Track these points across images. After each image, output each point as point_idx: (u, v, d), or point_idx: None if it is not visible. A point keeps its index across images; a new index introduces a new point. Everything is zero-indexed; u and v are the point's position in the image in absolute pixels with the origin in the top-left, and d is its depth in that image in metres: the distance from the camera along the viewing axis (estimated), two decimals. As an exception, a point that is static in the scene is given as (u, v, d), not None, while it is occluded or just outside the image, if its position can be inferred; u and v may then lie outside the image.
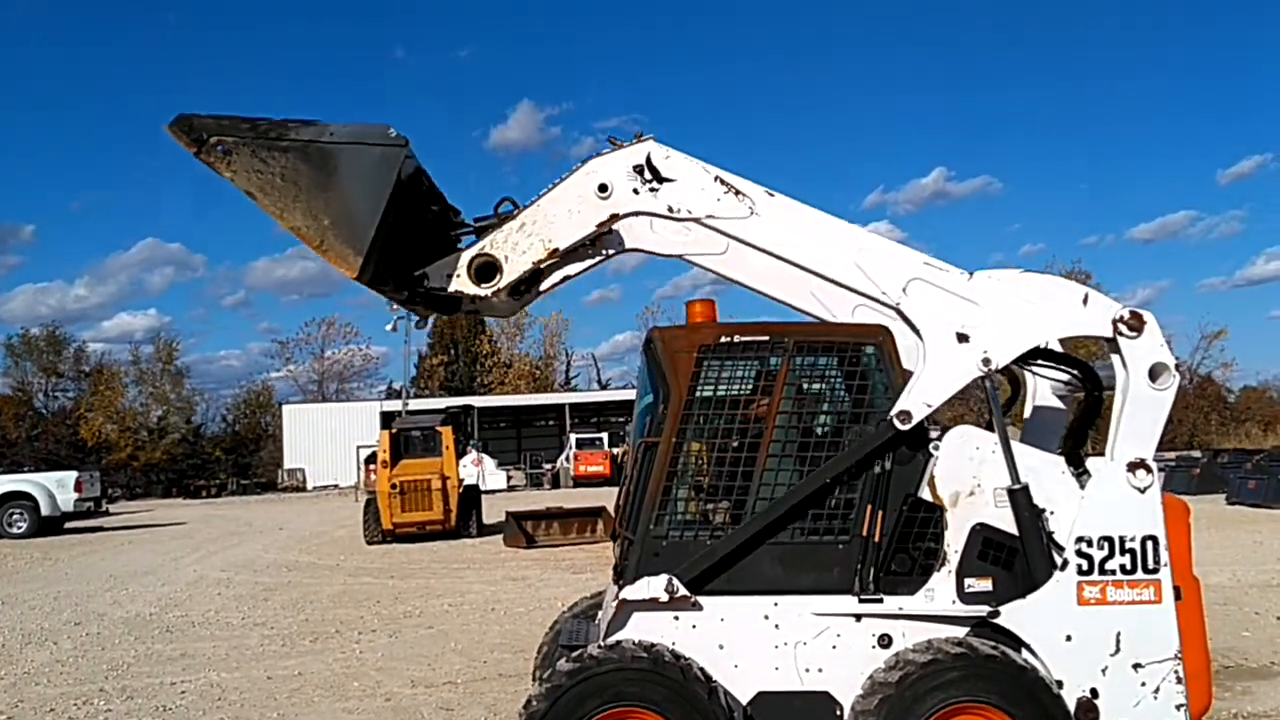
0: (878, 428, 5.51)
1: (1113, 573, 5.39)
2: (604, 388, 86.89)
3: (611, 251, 5.87)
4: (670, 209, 5.59)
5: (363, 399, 76.82)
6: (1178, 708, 5.33)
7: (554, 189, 5.68)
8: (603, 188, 5.59)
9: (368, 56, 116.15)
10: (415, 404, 57.60)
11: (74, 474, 31.94)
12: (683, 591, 5.46)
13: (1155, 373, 5.47)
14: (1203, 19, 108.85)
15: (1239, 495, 26.96)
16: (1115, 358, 5.58)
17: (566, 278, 5.96)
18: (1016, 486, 5.42)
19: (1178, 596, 5.42)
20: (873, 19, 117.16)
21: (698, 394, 5.67)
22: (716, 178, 5.60)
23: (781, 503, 5.50)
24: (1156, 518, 5.43)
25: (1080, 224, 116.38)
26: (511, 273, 5.66)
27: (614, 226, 5.74)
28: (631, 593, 5.52)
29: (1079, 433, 5.71)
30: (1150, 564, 5.39)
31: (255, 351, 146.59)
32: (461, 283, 5.68)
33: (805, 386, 5.88)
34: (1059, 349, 6.02)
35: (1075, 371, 5.80)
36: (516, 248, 5.64)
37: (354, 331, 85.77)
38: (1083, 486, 5.49)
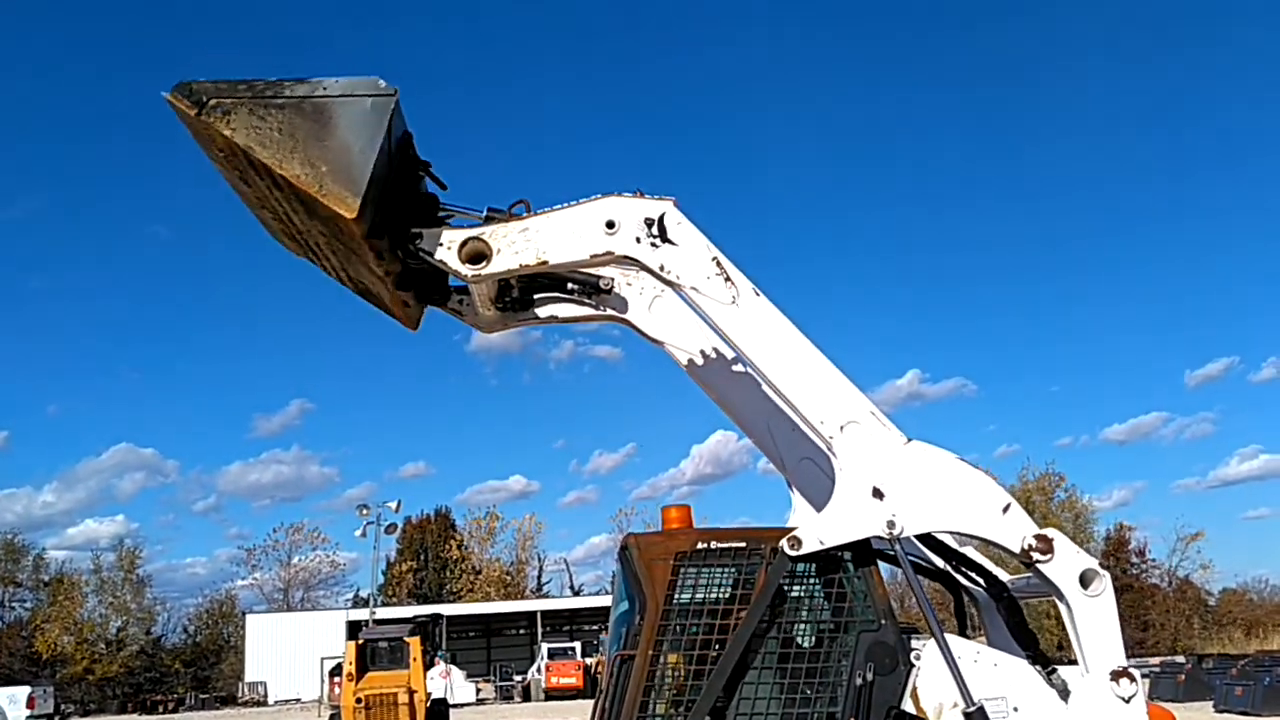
0: (775, 568, 5.45)
1: (1104, 787, 5.23)
2: (577, 593, 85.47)
3: (607, 311, 5.93)
4: (661, 268, 5.61)
5: (329, 607, 75.21)
6: None
7: (567, 208, 5.70)
8: (610, 224, 5.60)
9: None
10: (383, 613, 56.45)
11: (27, 689, 30.91)
12: (661, 812, 5.24)
13: (1085, 580, 5.41)
14: (1166, 222, 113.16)
15: (1226, 702, 26.50)
16: (1039, 579, 5.54)
17: (555, 318, 5.98)
18: (971, 709, 5.26)
19: (1172, 812, 5.26)
20: (849, 214, 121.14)
21: (675, 603, 5.58)
22: (715, 259, 5.63)
23: (719, 684, 5.35)
24: (1145, 728, 5.31)
25: (1054, 425, 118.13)
26: (497, 266, 5.64)
27: (617, 289, 5.84)
28: (608, 814, 5.30)
29: (1021, 636, 5.67)
30: (1142, 778, 5.24)
31: (222, 559, 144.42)
32: (449, 255, 5.66)
33: (785, 594, 5.80)
34: (971, 546, 6.05)
35: (976, 575, 5.80)
36: (512, 245, 5.63)
37: (322, 538, 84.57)
38: (1064, 697, 5.36)
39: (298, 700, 59.46)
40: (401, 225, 5.77)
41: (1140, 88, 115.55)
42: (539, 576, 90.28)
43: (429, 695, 24.41)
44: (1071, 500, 70.68)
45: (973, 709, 5.27)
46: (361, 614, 56.19)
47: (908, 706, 5.42)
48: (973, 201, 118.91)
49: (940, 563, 6.21)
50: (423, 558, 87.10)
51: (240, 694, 65.53)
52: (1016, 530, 5.46)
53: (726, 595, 5.65)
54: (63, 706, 39.27)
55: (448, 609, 57.13)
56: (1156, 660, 38.47)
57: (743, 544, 5.68)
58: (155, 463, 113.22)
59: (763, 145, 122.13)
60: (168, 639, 79.63)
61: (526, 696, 53.34)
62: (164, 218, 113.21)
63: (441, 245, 5.71)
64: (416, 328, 6.58)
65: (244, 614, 74.23)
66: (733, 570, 5.69)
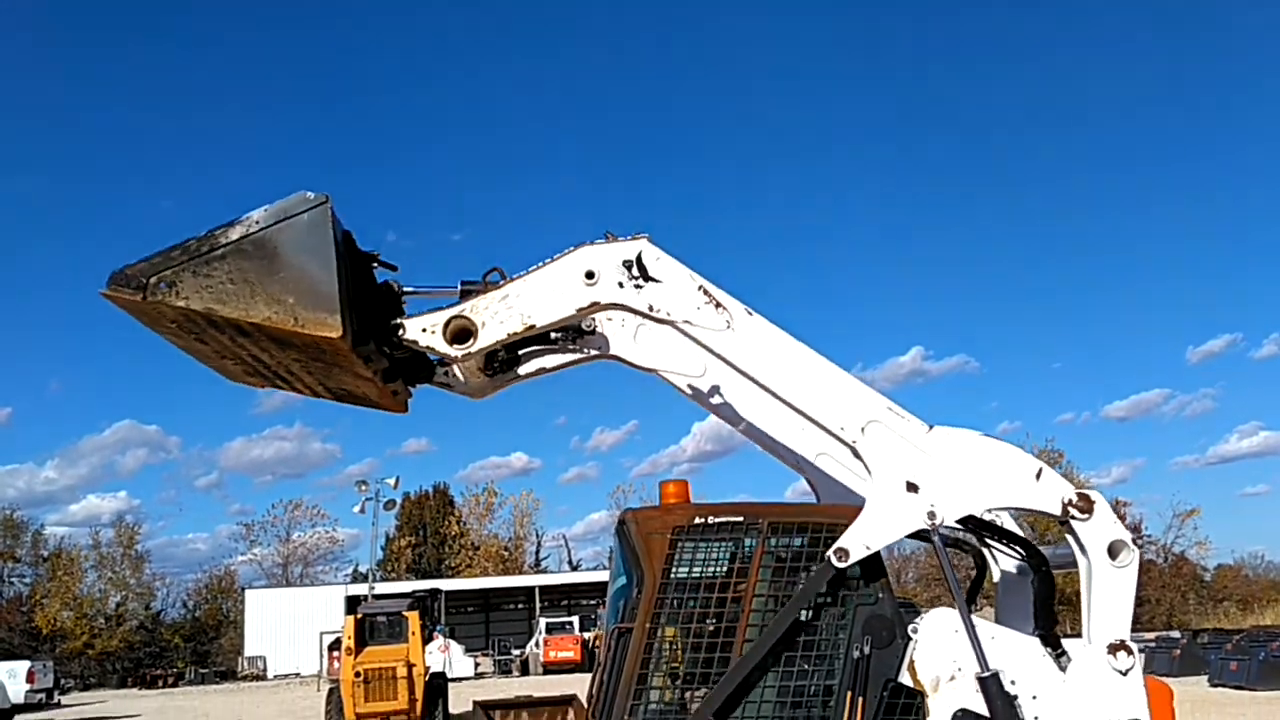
0: (817, 571, 5.43)
1: (1099, 760, 5.25)
2: (575, 569, 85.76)
3: (593, 352, 5.90)
4: (650, 308, 5.59)
5: (328, 583, 75.40)
6: None
7: (543, 267, 5.66)
8: (589, 274, 5.56)
9: (360, 239, 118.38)
10: (381, 588, 56.57)
11: (26, 664, 30.99)
12: (659, 790, 5.26)
13: (1114, 550, 5.44)
14: (1169, 201, 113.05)
15: (1221, 677, 26.64)
16: (1070, 539, 5.56)
17: (543, 369, 5.95)
18: (986, 674, 5.31)
19: (1166, 785, 5.28)
20: (853, 193, 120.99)
21: (672, 577, 5.59)
22: (700, 287, 5.61)
23: (745, 670, 5.37)
24: (1140, 701, 5.32)
25: (1056, 402, 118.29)
26: (484, 340, 5.61)
27: (598, 328, 5.79)
28: (605, 787, 5.32)
29: (1044, 612, 5.65)
30: (1137, 750, 5.26)
31: (223, 535, 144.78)
32: (435, 340, 5.62)
33: (781, 568, 5.81)
34: (1010, 520, 6.04)
35: (1018, 548, 5.79)
36: (495, 316, 5.60)
37: (321, 514, 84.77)
38: (1063, 669, 5.40)
39: (297, 674, 59.71)
40: (379, 322, 5.71)
41: (1140, 65, 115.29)
42: (537, 552, 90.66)
43: (428, 669, 24.48)
44: (1069, 477, 70.74)
45: (987, 675, 5.30)
46: (360, 589, 56.28)
47: (904, 679, 5.43)
48: (975, 179, 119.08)
49: (972, 538, 6.20)
50: (421, 534, 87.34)
51: (240, 668, 65.79)
52: (1054, 493, 5.48)
53: (723, 570, 5.66)
54: (62, 681, 39.41)
55: (446, 584, 57.24)
56: (1151, 635, 38.59)
57: (739, 519, 5.68)
58: (158, 439, 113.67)
59: (762, 120, 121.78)
60: (167, 614, 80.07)
61: (525, 670, 53.64)
62: (169, 191, 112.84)
63: (425, 331, 5.67)
64: (407, 410, 6.54)
65: (243, 589, 74.46)
66: (729, 545, 5.70)
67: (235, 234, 5.22)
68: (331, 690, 24.43)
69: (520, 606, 74.22)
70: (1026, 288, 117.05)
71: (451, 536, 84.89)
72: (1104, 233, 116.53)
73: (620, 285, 5.59)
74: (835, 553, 5.37)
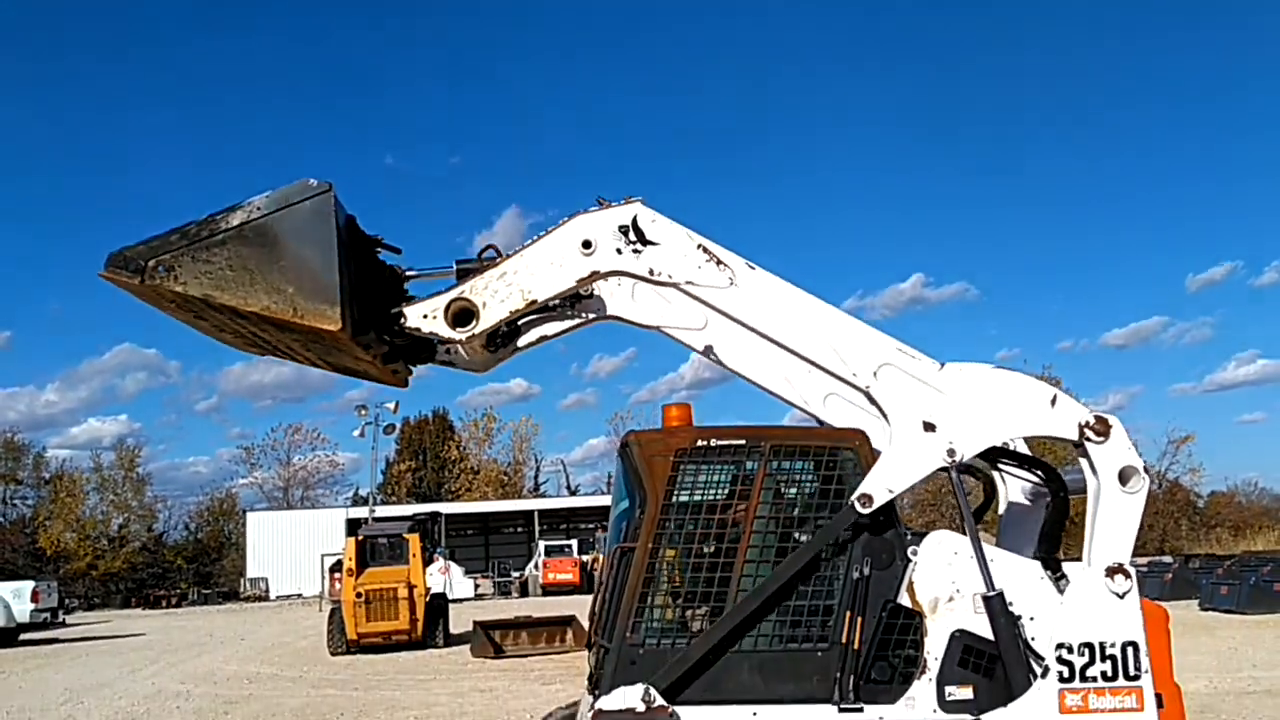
0: (840, 514, 5.48)
1: (1094, 680, 5.33)
2: (574, 494, 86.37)
3: (591, 316, 5.87)
4: (651, 272, 5.60)
5: (328, 506, 75.94)
6: (1164, 818, 5.24)
7: (539, 241, 5.66)
8: (586, 244, 5.57)
9: (356, 161, 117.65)
10: (382, 511, 56.98)
11: (31, 584, 31.29)
12: (660, 702, 5.34)
13: (1125, 476, 5.48)
14: (1171, 128, 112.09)
15: (1212, 601, 26.96)
16: (1084, 462, 5.60)
17: (544, 338, 5.94)
18: (991, 593, 5.39)
19: (1159, 704, 5.36)
20: (855, 123, 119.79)
21: (674, 498, 5.63)
22: (700, 245, 5.62)
23: (749, 600, 5.43)
24: (1136, 623, 5.40)
25: (1055, 329, 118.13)
26: (487, 320, 5.62)
27: (595, 290, 5.76)
28: (607, 703, 5.40)
29: (1051, 536, 5.69)
30: (1131, 670, 5.34)
31: (224, 458, 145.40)
32: (437, 324, 5.62)
33: (782, 491, 5.85)
34: (1025, 448, 6.06)
35: (1039, 473, 5.82)
36: (495, 295, 5.60)
37: (321, 438, 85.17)
38: (1061, 592, 5.47)
39: (299, 596, 60.42)
40: (380, 310, 5.67)
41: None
42: (536, 477, 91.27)
43: (428, 590, 24.78)
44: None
45: (992, 594, 5.37)
46: (361, 512, 56.78)
47: (904, 600, 5.49)
48: (976, 105, 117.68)
49: (984, 464, 6.23)
50: (421, 458, 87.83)
51: (242, 590, 66.53)
52: (1070, 417, 5.52)
53: (725, 492, 5.69)
54: (67, 601, 39.92)
55: (446, 508, 57.56)
56: (1144, 560, 39.02)
57: (741, 441, 5.71)
58: (157, 363, 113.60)
59: (767, 46, 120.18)
60: (170, 536, 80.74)
61: (524, 592, 54.24)
62: (168, 105, 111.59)
63: (426, 317, 5.65)
64: (408, 385, 6.52)
65: (244, 512, 75.06)
66: (731, 468, 5.73)
67: (236, 220, 5.19)
68: (333, 611, 24.73)
69: (519, 530, 74.89)
70: (1027, 215, 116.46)
71: (451, 461, 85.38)
72: (1106, 160, 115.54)
73: (618, 252, 5.58)
74: (859, 499, 5.41)
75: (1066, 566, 5.53)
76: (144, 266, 5.13)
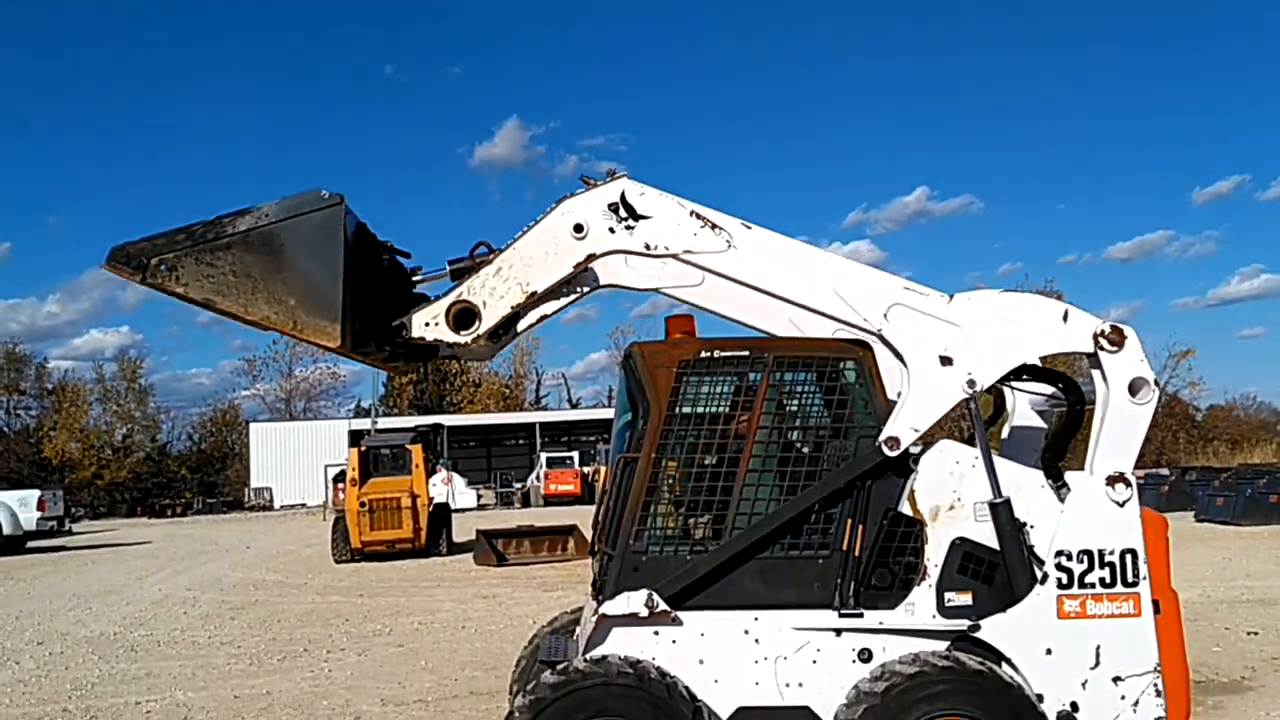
0: (865, 452, 5.49)
1: (1092, 586, 5.40)
2: (575, 407, 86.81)
3: (587, 289, 5.82)
4: (647, 246, 5.56)
5: (331, 418, 76.33)
6: (1157, 721, 5.34)
7: (529, 231, 5.63)
8: (578, 228, 5.54)
9: (356, 73, 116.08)
10: (384, 423, 57.31)
11: (37, 493, 31.55)
12: (662, 607, 5.42)
13: (1135, 387, 5.49)
14: (1183, 38, 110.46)
15: (1207, 512, 27.21)
16: (1095, 373, 5.60)
17: (543, 317, 5.92)
18: (998, 500, 5.43)
19: (1157, 610, 5.43)
20: (858, 36, 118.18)
21: (678, 409, 5.65)
22: (692, 212, 5.57)
23: (762, 524, 5.49)
24: (1135, 531, 5.44)
25: (1059, 243, 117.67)
26: (490, 318, 5.61)
27: (589, 264, 5.73)
28: (611, 608, 5.47)
29: (1059, 445, 5.72)
30: (1129, 577, 5.40)
31: (226, 370, 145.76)
32: (440, 330, 5.62)
33: (785, 402, 5.86)
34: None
35: (1059, 385, 5.82)
36: (494, 292, 5.59)
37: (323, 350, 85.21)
38: (1062, 500, 5.51)
39: (303, 505, 61.05)
40: (384, 319, 5.63)
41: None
42: (537, 390, 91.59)
43: (431, 500, 25.01)
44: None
45: (999, 501, 5.42)
46: (363, 424, 57.12)
47: (904, 509, 5.54)
48: (982, 15, 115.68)
49: None
50: (422, 370, 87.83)
51: (246, 499, 67.22)
52: (1084, 329, 5.52)
53: (728, 403, 5.71)
54: (73, 510, 40.31)
55: (448, 420, 57.91)
56: (1141, 473, 39.27)
57: (745, 353, 5.71)
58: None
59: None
60: (173, 446, 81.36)
61: (526, 503, 54.77)
62: (163, 24, 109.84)
63: (429, 325, 5.62)
64: (409, 375, 6.48)
65: (247, 423, 75.51)
66: (735, 379, 5.73)
67: (243, 225, 5.14)
68: (337, 520, 24.99)
69: (521, 442, 75.40)
70: (1034, 127, 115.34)
71: (452, 374, 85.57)
72: (1113, 71, 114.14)
73: (611, 231, 5.54)
74: (886, 442, 5.43)
75: (1068, 475, 5.56)
76: (146, 264, 5.11)
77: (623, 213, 5.53)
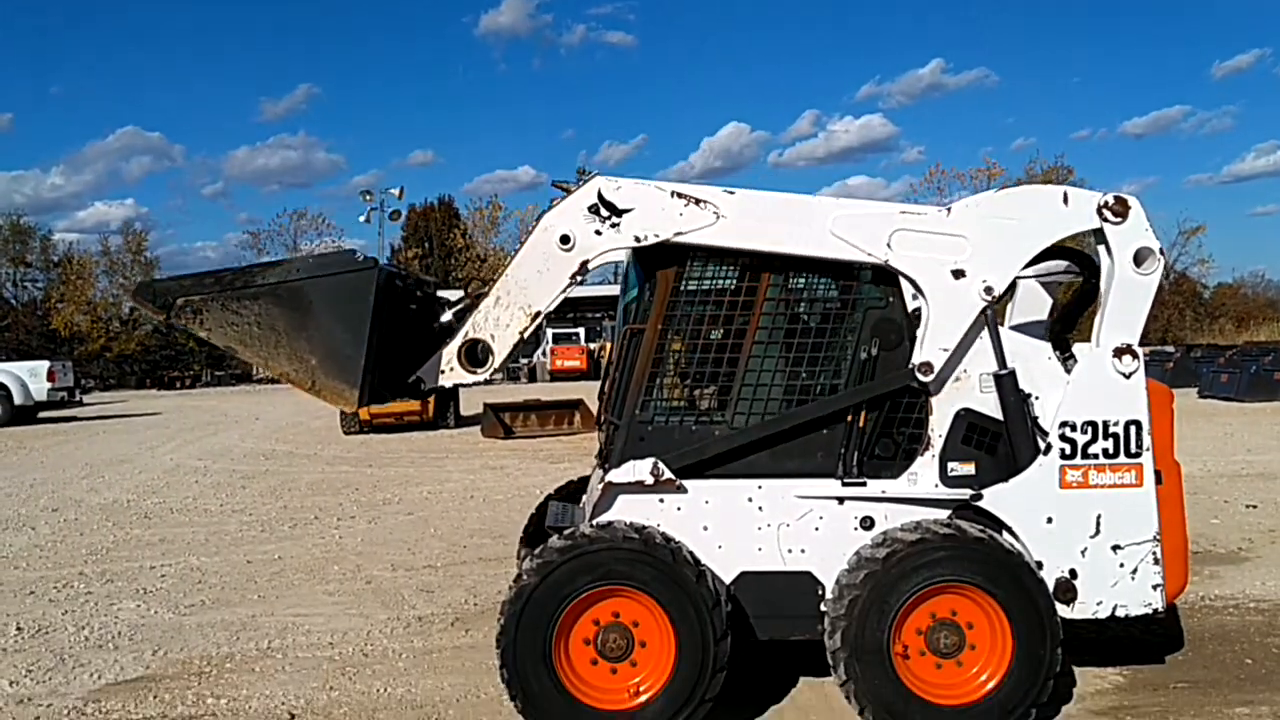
0: (895, 372, 5.52)
1: (1095, 457, 5.43)
2: (581, 283, 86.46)
3: (580, 277, 5.79)
4: (638, 238, 5.49)
5: (337, 292, 76.11)
6: (1154, 587, 5.42)
7: (518, 254, 5.60)
8: (565, 239, 5.50)
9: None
10: (390, 296, 57.24)
11: (46, 364, 31.72)
12: (668, 475, 5.47)
13: (1140, 258, 5.44)
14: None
15: (1211, 389, 27.36)
16: (1100, 247, 5.54)
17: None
18: (1003, 372, 5.43)
19: (1158, 480, 5.47)
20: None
21: (685, 282, 5.62)
22: (673, 193, 5.47)
23: (789, 424, 5.55)
24: (1140, 402, 5.46)
25: (1074, 118, 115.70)
26: (502, 349, 5.59)
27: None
28: (617, 476, 5.53)
29: (1069, 317, 5.70)
30: (1133, 448, 5.43)
31: (232, 243, 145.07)
32: (457, 374, 5.61)
33: (791, 276, 5.81)
34: None
35: (1071, 262, 5.78)
36: (499, 323, 5.56)
37: (328, 224, 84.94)
38: (1068, 371, 5.51)
39: (310, 379, 61.36)
40: (404, 371, 5.60)
41: None
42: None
43: (438, 374, 25.10)
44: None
45: (1005, 373, 5.43)
46: (369, 297, 57.04)
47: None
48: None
49: None
50: (427, 245, 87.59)
51: (255, 371, 67.63)
52: (1087, 206, 5.45)
53: (736, 275, 5.67)
54: (82, 381, 40.53)
55: (454, 295, 57.64)
56: (1146, 350, 39.31)
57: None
58: (162, 146, 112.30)
59: None
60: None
61: (532, 378, 55.11)
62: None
63: (444, 373, 5.59)
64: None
65: (254, 296, 75.39)
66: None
67: (273, 277, 5.11)
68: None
69: (527, 317, 75.39)
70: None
71: (457, 249, 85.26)
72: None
73: (598, 233, 5.48)
74: (919, 368, 5.42)
75: (1076, 347, 5.56)
76: (171, 304, 5.11)
77: (604, 212, 5.48)
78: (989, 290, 5.41)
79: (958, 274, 5.43)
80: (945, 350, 5.44)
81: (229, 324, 5.12)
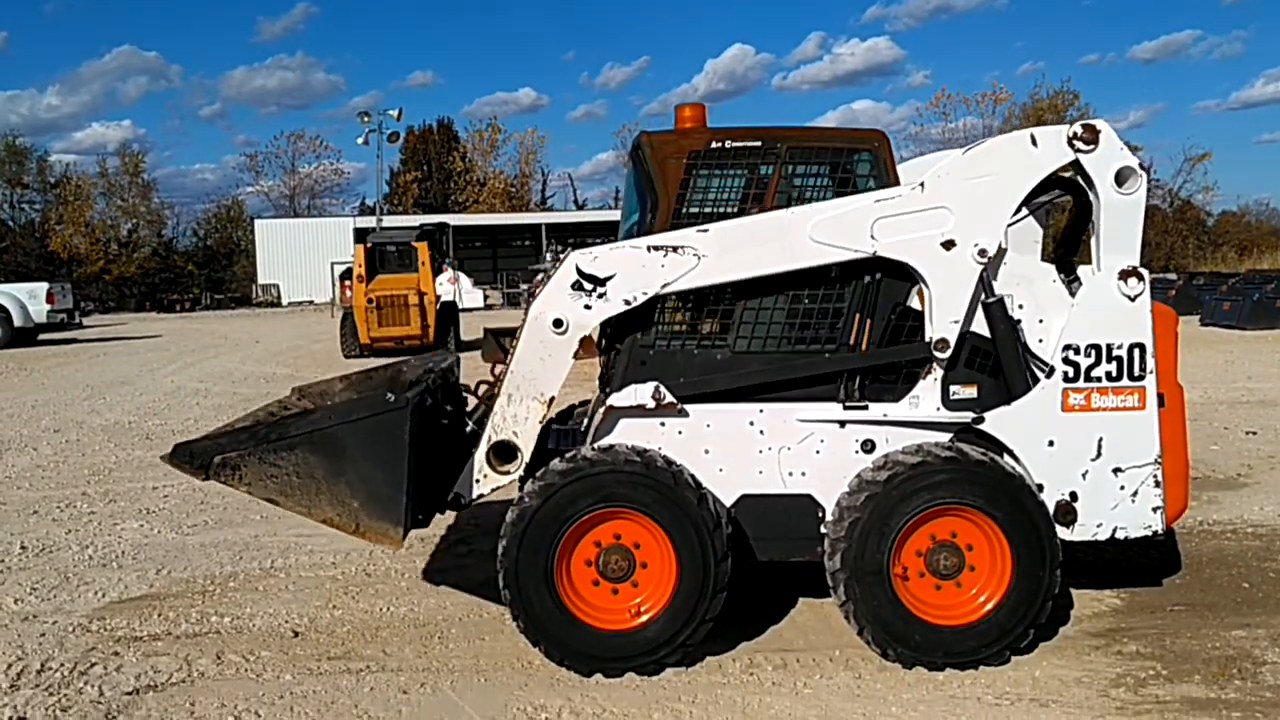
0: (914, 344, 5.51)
1: (1098, 380, 5.42)
2: (581, 208, 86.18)
3: (581, 351, 5.78)
4: (628, 301, 5.46)
5: (336, 215, 75.98)
6: (1154, 510, 5.44)
7: (517, 349, 5.59)
8: (558, 323, 5.49)
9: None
10: (389, 221, 57.06)
11: (45, 285, 31.66)
12: (669, 399, 5.46)
13: (1122, 178, 5.39)
14: None
15: (1213, 317, 27.35)
16: (1081, 179, 5.50)
17: None
18: (991, 299, 5.40)
19: (1161, 403, 5.46)
20: None
21: (687, 202, 5.55)
22: (649, 247, 5.44)
23: (804, 371, 5.55)
24: (1145, 325, 5.43)
25: (1082, 43, 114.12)
26: (527, 442, 5.57)
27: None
28: (619, 399, 5.53)
29: (1071, 239, 5.65)
30: (1136, 371, 5.41)
31: (230, 165, 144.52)
32: (491, 480, 5.63)
33: (797, 195, 5.75)
34: None
35: (1057, 190, 5.73)
36: (517, 419, 5.55)
37: (326, 146, 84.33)
38: (1073, 294, 5.48)
39: (310, 302, 61.42)
40: (442, 489, 5.67)
41: None
42: (543, 191, 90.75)
43: (438, 298, 25.08)
44: (1084, 119, 69.62)
45: (992, 300, 5.40)
46: (368, 222, 56.85)
47: (913, 304, 5.52)
48: None
49: None
50: (426, 169, 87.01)
51: (254, 295, 67.59)
52: (1056, 141, 5.40)
53: (739, 196, 5.61)
54: (82, 304, 40.41)
55: (454, 219, 57.50)
56: (1149, 277, 39.21)
57: (757, 143, 5.57)
58: (159, 66, 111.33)
59: None
60: (179, 243, 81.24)
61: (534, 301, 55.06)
62: None
63: (479, 482, 5.61)
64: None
65: (252, 219, 75.22)
66: (746, 171, 5.62)
67: (307, 426, 5.11)
68: (345, 316, 25.11)
69: (527, 243, 75.17)
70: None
71: (456, 173, 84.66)
72: None
73: (588, 308, 5.48)
74: (936, 345, 5.40)
75: (1081, 270, 5.52)
76: (209, 463, 5.09)
77: (587, 285, 5.47)
78: (983, 253, 5.36)
79: (948, 244, 5.38)
80: (956, 323, 5.42)
81: (268, 476, 5.13)
